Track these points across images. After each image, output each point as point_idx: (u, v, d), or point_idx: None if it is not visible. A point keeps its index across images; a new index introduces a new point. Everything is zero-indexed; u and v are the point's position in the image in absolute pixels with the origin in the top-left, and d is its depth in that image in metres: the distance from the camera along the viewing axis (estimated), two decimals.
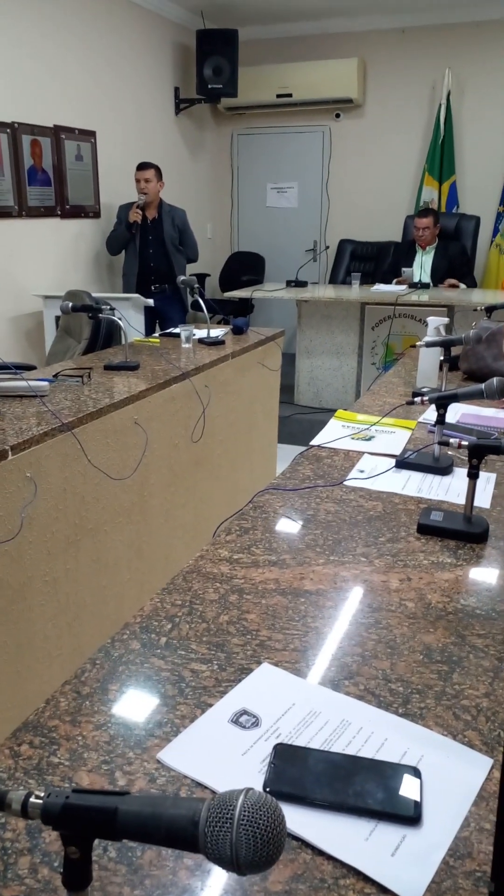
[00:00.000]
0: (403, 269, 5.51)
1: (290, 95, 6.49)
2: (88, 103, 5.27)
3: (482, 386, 1.56)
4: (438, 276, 5.50)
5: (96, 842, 0.70)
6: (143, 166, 5.04)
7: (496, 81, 6.12)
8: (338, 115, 6.75)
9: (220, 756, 0.82)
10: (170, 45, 6.23)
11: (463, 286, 5.41)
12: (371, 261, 6.46)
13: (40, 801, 0.52)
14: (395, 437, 1.93)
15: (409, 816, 0.75)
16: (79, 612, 2.22)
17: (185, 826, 0.49)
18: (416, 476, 1.66)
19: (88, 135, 5.30)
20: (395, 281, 5.50)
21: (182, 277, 3.45)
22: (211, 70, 6.04)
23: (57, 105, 4.96)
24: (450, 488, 1.60)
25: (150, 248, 5.14)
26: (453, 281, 5.42)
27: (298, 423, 5.04)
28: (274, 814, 0.49)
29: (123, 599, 2.44)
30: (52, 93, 4.91)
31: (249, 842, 0.48)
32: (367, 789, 0.78)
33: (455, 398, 1.62)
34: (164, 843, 0.50)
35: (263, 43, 6.61)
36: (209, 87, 6.08)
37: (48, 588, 2.07)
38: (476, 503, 1.44)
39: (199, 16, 6.14)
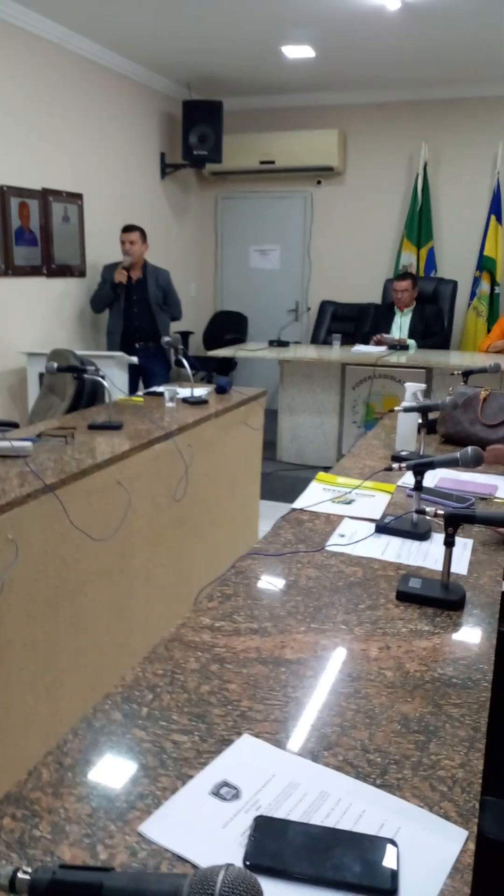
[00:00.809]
0: (384, 335, 5.66)
1: (272, 162, 6.72)
2: (77, 167, 5.43)
3: (458, 455, 1.62)
4: (415, 337, 5.64)
5: None
6: (128, 229, 5.19)
7: (469, 154, 6.39)
8: (319, 182, 6.99)
9: (200, 829, 0.83)
10: (157, 113, 6.46)
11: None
12: (352, 321, 6.62)
13: (28, 877, 0.54)
14: (374, 501, 1.97)
15: (386, 890, 0.76)
16: (57, 675, 2.20)
17: None
18: (396, 541, 1.70)
19: (76, 197, 5.45)
20: (373, 340, 5.62)
21: (166, 338, 3.52)
22: (196, 138, 6.26)
23: (45, 168, 5.11)
24: (428, 554, 1.63)
25: (134, 307, 5.24)
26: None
27: (281, 479, 5.09)
28: (253, 890, 0.51)
29: (102, 662, 2.43)
30: (40, 157, 5.06)
31: None
32: (346, 862, 0.79)
33: (431, 466, 1.67)
34: None
35: (247, 113, 6.88)
36: (194, 153, 6.28)
37: (27, 651, 2.06)
38: (453, 569, 1.47)
39: (185, 87, 6.39)
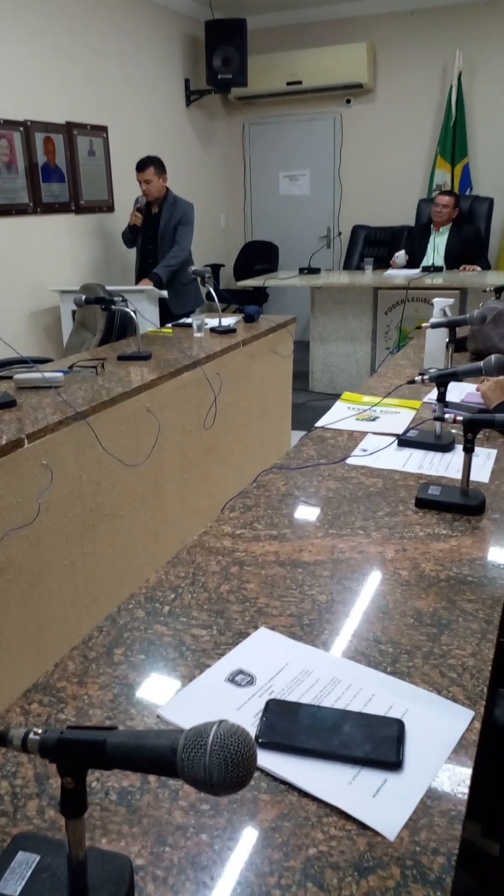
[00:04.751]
0: (396, 254, 5.57)
1: (300, 83, 6.49)
2: (99, 99, 5.32)
3: (481, 364, 1.60)
4: (452, 258, 5.49)
5: (98, 786, 0.76)
6: (141, 166, 4.79)
7: None
8: (348, 101, 6.74)
9: (216, 711, 0.88)
10: (179, 36, 6.26)
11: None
12: (385, 246, 6.45)
13: (38, 737, 0.58)
14: (399, 417, 1.96)
15: (391, 762, 0.80)
16: (97, 594, 2.29)
17: (165, 754, 0.55)
18: (418, 454, 1.70)
19: (100, 130, 5.36)
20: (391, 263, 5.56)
21: (194, 267, 3.49)
22: (220, 60, 6.06)
23: (68, 102, 5.02)
24: (450, 465, 1.63)
25: (149, 243, 5.04)
26: (470, 267, 5.40)
27: (313, 409, 5.08)
28: (244, 741, 0.55)
29: (140, 582, 2.51)
30: (63, 90, 4.96)
31: (221, 765, 0.53)
32: (353, 739, 0.83)
33: (455, 376, 1.65)
34: (149, 769, 0.56)
35: (272, 31, 6.62)
36: (219, 77, 6.10)
37: (67, 572, 2.14)
38: (475, 478, 1.48)
39: (206, 6, 6.16)
